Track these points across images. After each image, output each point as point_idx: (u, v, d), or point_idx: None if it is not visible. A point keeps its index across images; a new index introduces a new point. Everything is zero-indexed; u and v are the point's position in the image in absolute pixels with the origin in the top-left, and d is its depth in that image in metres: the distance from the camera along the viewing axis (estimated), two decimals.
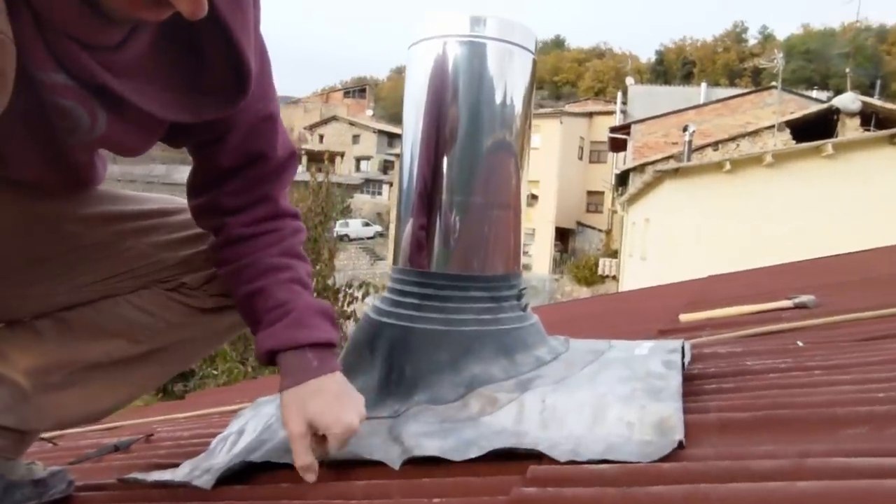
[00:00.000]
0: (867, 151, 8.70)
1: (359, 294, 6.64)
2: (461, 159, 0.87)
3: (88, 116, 0.64)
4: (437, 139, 0.88)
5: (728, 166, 9.19)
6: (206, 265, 0.85)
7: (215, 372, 8.40)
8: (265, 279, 0.78)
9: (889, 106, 12.47)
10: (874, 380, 0.78)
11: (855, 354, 0.97)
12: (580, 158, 25.14)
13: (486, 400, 0.77)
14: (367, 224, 27.79)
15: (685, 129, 12.44)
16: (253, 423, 0.96)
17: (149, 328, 0.84)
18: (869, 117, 11.87)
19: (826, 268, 2.78)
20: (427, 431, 0.73)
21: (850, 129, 11.42)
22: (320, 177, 7.81)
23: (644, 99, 22.70)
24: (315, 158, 23.09)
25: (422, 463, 0.69)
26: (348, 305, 6.89)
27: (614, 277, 15.90)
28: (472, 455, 0.66)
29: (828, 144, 8.79)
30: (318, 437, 0.72)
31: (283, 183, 0.84)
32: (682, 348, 0.90)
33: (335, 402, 0.72)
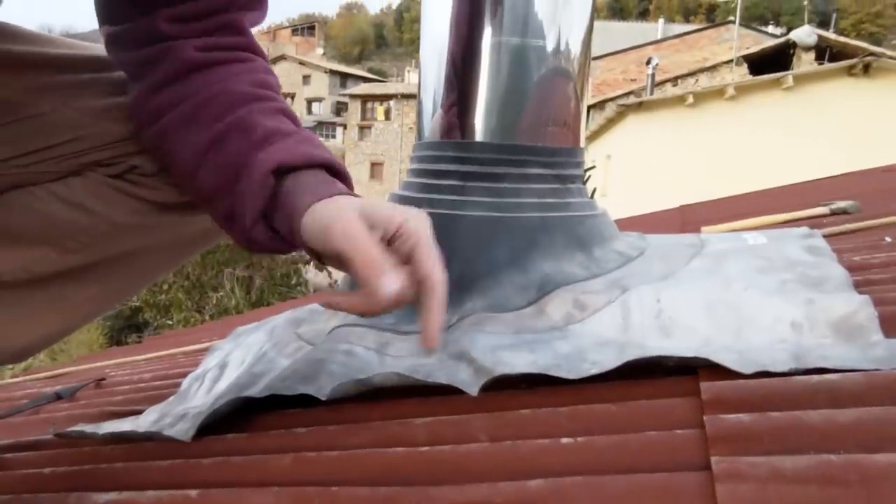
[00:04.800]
0: (825, 83, 8.84)
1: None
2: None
3: None
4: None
5: (690, 100, 9.17)
6: None
7: (170, 322, 8.05)
8: (244, 108, 0.53)
9: (843, 40, 12.51)
10: None
11: None
12: None
13: (570, 304, 0.57)
14: None
15: (648, 62, 12.24)
16: (238, 354, 0.73)
17: (85, 232, 0.59)
18: (823, 51, 11.89)
19: (821, 188, 2.67)
20: (502, 345, 0.52)
21: (806, 64, 11.45)
22: None
23: (601, 35, 22.24)
24: None
25: (499, 388, 0.48)
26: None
27: None
28: (593, 372, 0.45)
29: (788, 77, 8.89)
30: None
31: (251, 18, 0.59)
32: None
33: (395, 208, 0.48)
